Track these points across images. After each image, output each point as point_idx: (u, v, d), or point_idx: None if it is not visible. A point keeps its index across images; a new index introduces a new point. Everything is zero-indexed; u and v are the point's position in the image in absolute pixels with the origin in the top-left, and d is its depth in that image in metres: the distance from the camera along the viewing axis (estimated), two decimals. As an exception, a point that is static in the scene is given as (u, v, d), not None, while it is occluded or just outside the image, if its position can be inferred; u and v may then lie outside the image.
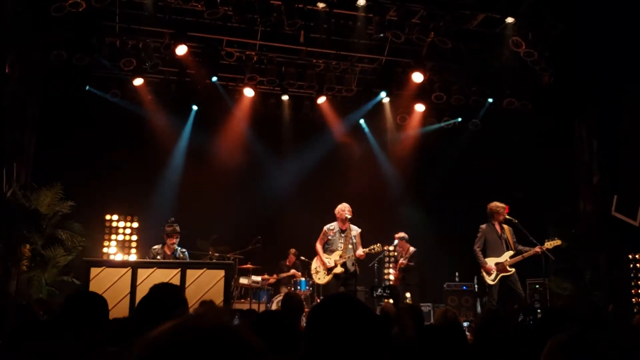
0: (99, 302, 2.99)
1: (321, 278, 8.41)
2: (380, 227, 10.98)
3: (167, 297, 2.63)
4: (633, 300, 9.16)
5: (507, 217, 8.68)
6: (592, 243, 9.60)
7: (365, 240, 8.68)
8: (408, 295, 10.57)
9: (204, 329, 0.88)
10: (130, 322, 2.78)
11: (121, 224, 11.47)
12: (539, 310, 8.18)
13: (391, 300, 8.51)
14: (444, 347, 2.73)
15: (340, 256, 8.27)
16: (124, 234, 11.43)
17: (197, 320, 0.91)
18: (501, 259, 8.47)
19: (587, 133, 10.35)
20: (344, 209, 8.40)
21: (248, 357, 0.89)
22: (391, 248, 11.59)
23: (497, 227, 8.65)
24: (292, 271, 11.08)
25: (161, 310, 2.53)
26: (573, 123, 10.67)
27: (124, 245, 11.37)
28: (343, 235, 8.40)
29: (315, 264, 8.62)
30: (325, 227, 8.57)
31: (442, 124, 12.03)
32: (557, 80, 10.13)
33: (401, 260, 10.31)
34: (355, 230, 8.45)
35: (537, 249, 8.32)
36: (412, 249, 10.53)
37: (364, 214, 10.13)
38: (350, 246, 8.32)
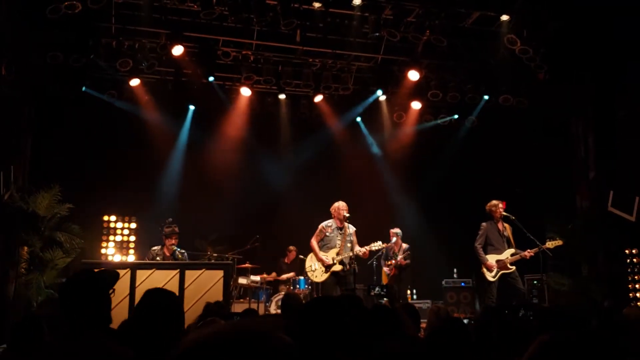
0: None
1: (318, 276, 8.36)
2: (378, 224, 10.99)
3: (163, 302, 2.63)
4: (630, 295, 9.19)
5: (505, 213, 8.72)
6: (589, 238, 9.62)
7: (363, 238, 8.68)
8: (409, 292, 10.60)
9: (246, 333, 0.93)
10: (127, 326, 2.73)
11: (119, 224, 11.44)
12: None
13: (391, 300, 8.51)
14: (452, 347, 2.76)
15: (338, 253, 8.24)
16: (122, 235, 11.41)
17: (237, 325, 0.96)
18: (502, 257, 8.51)
19: (583, 129, 10.38)
20: (342, 207, 8.38)
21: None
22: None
23: (499, 224, 8.69)
24: (292, 274, 10.97)
25: (158, 315, 2.53)
26: (569, 119, 10.70)
27: (122, 246, 11.36)
28: (340, 232, 8.38)
29: (310, 261, 8.57)
30: (322, 225, 8.53)
31: (439, 121, 12.07)
32: (553, 76, 10.15)
33: (400, 258, 10.29)
34: (351, 228, 8.45)
35: (526, 252, 8.40)
36: (404, 245, 10.53)
37: (362, 211, 10.16)
38: (348, 244, 8.32)
